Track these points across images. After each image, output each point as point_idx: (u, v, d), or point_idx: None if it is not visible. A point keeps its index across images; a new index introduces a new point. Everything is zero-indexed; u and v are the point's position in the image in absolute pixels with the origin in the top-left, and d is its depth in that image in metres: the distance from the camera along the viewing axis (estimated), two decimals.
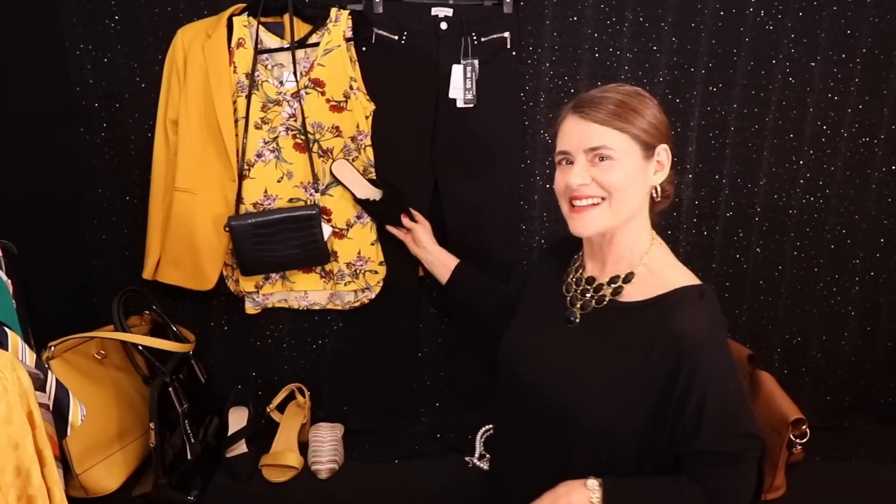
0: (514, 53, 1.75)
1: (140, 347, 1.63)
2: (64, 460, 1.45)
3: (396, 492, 1.68)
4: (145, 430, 1.59)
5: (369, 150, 1.73)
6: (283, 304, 1.85)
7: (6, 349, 0.97)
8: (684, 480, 1.07)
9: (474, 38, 1.71)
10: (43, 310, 1.42)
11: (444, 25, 1.71)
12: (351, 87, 1.69)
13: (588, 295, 1.22)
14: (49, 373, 1.03)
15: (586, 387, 1.14)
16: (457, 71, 1.72)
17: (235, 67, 1.67)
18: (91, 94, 1.74)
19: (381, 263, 1.81)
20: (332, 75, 1.68)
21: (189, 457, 1.62)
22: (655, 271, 1.17)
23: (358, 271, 1.80)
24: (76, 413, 1.06)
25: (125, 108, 1.76)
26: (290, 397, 1.91)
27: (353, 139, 1.72)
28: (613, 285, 1.19)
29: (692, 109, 1.83)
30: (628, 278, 1.18)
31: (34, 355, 1.02)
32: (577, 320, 1.22)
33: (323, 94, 1.68)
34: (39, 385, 1.01)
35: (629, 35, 1.78)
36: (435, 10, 1.71)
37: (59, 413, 1.04)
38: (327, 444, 1.77)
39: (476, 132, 1.76)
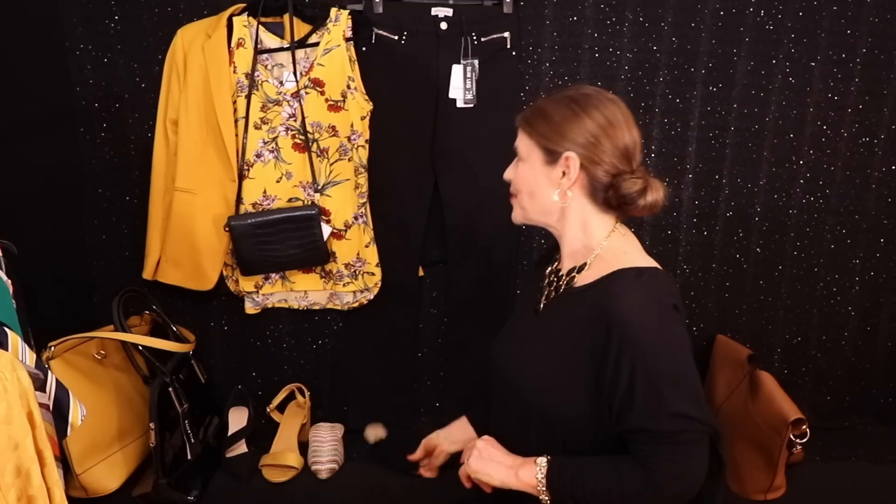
0: (514, 53, 1.75)
1: (140, 347, 1.63)
2: (64, 460, 1.45)
3: (396, 492, 1.68)
4: (145, 430, 1.59)
5: (362, 151, 1.74)
6: (283, 305, 1.85)
7: (6, 349, 0.97)
8: (626, 460, 1.09)
9: (474, 38, 1.71)
10: (43, 310, 1.42)
11: (444, 25, 1.71)
12: (349, 87, 1.69)
13: (553, 286, 1.27)
14: (49, 373, 1.03)
15: (538, 369, 1.19)
16: (457, 71, 1.72)
17: (235, 67, 1.67)
18: (91, 94, 1.74)
19: (377, 265, 1.81)
20: (332, 75, 1.68)
21: (189, 457, 1.62)
22: (607, 259, 1.18)
23: (357, 272, 1.80)
24: (76, 413, 1.06)
25: (125, 108, 1.76)
26: (290, 397, 1.91)
27: (348, 139, 1.72)
28: (570, 275, 1.23)
29: (692, 109, 1.83)
30: (581, 269, 1.21)
31: (34, 355, 1.02)
32: (542, 308, 1.27)
33: (322, 93, 1.69)
34: (39, 385, 1.01)
35: (629, 35, 1.78)
36: (435, 10, 1.71)
37: (59, 413, 1.04)
38: (327, 444, 1.77)
39: (476, 132, 1.76)
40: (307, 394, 1.89)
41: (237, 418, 1.83)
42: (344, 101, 1.69)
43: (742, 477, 1.70)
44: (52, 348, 1.50)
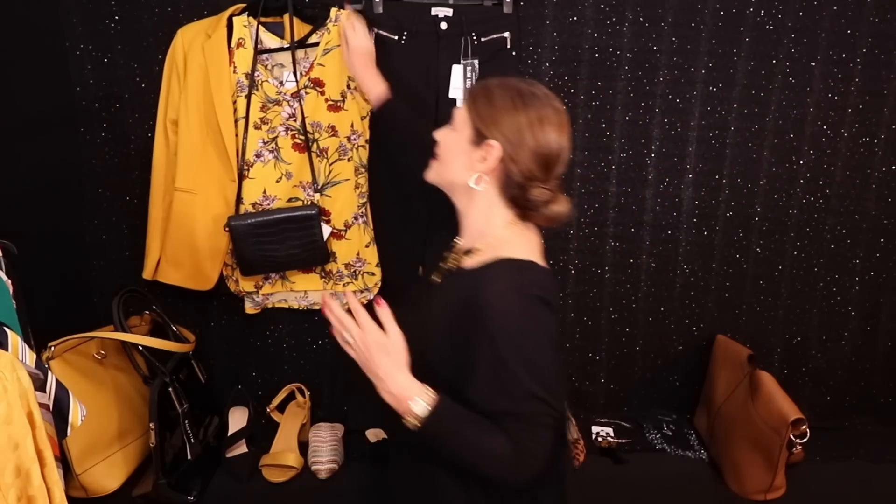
0: (514, 53, 1.75)
1: (140, 347, 1.63)
2: (64, 460, 1.45)
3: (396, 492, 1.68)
4: (145, 430, 1.59)
5: (362, 151, 1.74)
6: (283, 304, 1.85)
7: (6, 349, 0.97)
8: (499, 431, 1.09)
9: (474, 38, 1.71)
10: (43, 310, 1.42)
11: (444, 25, 1.71)
12: (348, 87, 1.69)
13: (449, 260, 1.30)
14: (49, 373, 1.03)
15: (418, 341, 1.19)
16: (457, 71, 1.72)
17: (235, 67, 1.66)
18: (91, 94, 1.74)
19: (377, 265, 1.81)
20: (332, 75, 1.68)
21: (189, 457, 1.63)
22: (495, 248, 1.20)
23: (357, 272, 1.80)
24: (76, 413, 1.06)
25: (125, 108, 1.76)
26: (290, 397, 1.91)
27: (348, 139, 1.72)
28: (461, 255, 1.26)
29: (692, 109, 1.83)
30: (469, 252, 1.24)
31: (34, 355, 1.02)
32: (436, 281, 1.29)
33: (322, 93, 1.69)
34: (39, 385, 1.01)
35: (629, 35, 1.78)
36: (435, 10, 1.71)
37: (59, 413, 1.04)
38: (327, 444, 1.77)
39: None
40: (307, 394, 1.89)
41: (237, 418, 1.83)
42: (343, 100, 1.69)
43: (742, 477, 1.70)
44: (52, 348, 1.50)
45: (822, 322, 1.99)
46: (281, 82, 1.69)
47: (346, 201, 1.75)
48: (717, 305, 1.97)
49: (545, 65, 1.79)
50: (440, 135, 1.28)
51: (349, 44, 1.64)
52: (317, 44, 1.68)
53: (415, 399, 1.10)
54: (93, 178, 1.80)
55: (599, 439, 1.87)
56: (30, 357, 1.00)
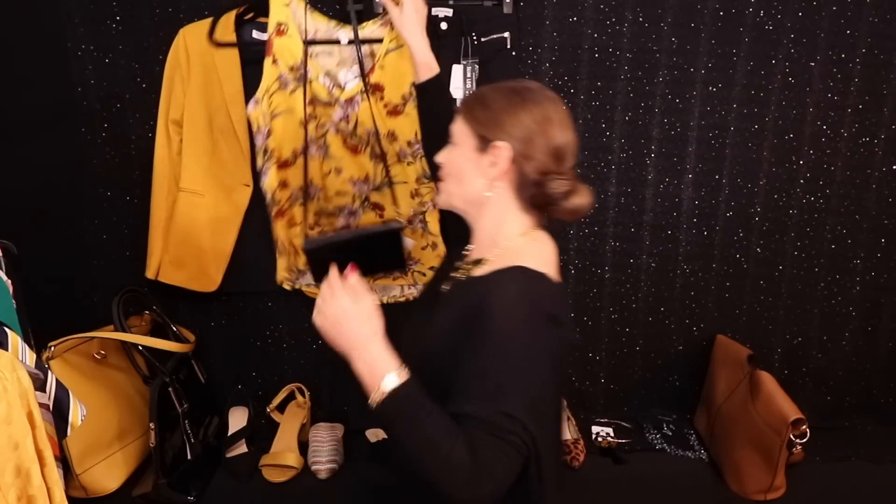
0: (514, 53, 1.75)
1: (140, 347, 1.63)
2: (64, 460, 1.45)
3: (396, 492, 1.68)
4: (145, 430, 1.59)
5: (424, 161, 1.67)
6: (313, 291, 1.79)
7: (6, 349, 0.97)
8: (462, 436, 1.00)
9: (474, 38, 1.71)
10: (43, 310, 1.42)
11: (444, 25, 1.71)
12: (411, 93, 1.64)
13: (459, 270, 1.26)
14: (49, 373, 1.03)
15: (417, 348, 1.16)
16: (457, 71, 1.72)
17: (276, 59, 1.58)
18: (92, 94, 1.75)
19: (430, 268, 1.78)
20: (392, 78, 1.62)
21: (189, 457, 1.63)
22: (506, 257, 1.16)
23: (408, 269, 1.79)
24: (76, 413, 1.06)
25: (126, 108, 1.76)
26: (290, 397, 1.91)
27: (409, 144, 1.68)
28: (472, 265, 1.22)
29: (692, 109, 1.83)
30: (479, 262, 1.20)
31: (34, 355, 1.02)
32: (445, 289, 1.25)
33: (382, 98, 1.63)
34: (39, 385, 1.01)
35: (629, 35, 1.78)
36: (435, 10, 1.71)
37: (59, 413, 1.04)
38: (327, 444, 1.77)
39: None
40: (307, 394, 1.89)
41: (237, 418, 1.83)
42: (405, 104, 1.64)
43: (742, 477, 1.70)
44: (52, 348, 1.50)
45: (823, 322, 1.99)
46: (334, 78, 1.61)
47: (400, 201, 1.72)
48: (717, 305, 1.97)
49: (545, 65, 1.79)
50: (442, 156, 1.23)
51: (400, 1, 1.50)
52: (380, 40, 1.61)
53: (388, 373, 1.04)
54: (93, 178, 1.80)
55: (599, 439, 1.87)
56: (30, 357, 1.00)
